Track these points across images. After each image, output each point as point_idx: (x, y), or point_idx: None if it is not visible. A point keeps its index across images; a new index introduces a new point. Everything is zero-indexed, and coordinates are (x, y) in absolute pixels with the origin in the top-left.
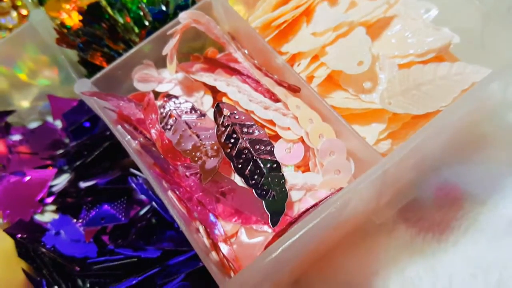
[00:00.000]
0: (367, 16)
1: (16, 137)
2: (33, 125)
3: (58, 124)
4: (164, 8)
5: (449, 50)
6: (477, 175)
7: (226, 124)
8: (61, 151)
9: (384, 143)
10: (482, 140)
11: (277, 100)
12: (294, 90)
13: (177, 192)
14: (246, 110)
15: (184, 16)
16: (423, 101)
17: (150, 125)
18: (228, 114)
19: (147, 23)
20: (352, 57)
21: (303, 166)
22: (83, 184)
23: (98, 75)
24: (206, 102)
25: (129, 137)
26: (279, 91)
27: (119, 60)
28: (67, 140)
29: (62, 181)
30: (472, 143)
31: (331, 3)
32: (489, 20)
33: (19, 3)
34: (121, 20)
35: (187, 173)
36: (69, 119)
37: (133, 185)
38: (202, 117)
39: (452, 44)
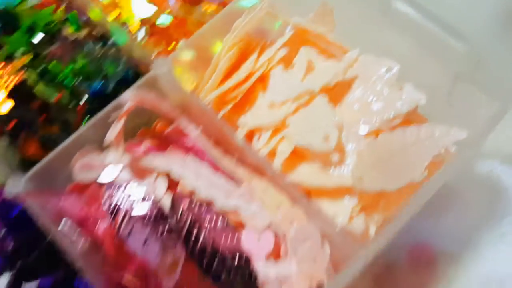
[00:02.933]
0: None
1: None
2: None
3: None
4: (102, 82)
5: (416, 110)
6: (449, 231)
7: (185, 218)
8: None
9: (357, 220)
10: (452, 195)
11: (238, 183)
12: (259, 172)
13: None
14: (206, 198)
15: (127, 98)
16: (396, 174)
17: (97, 221)
18: (186, 207)
19: (84, 100)
20: (316, 130)
21: (274, 254)
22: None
23: (34, 169)
24: (159, 186)
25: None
26: (242, 172)
27: (57, 150)
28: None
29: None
30: (442, 198)
31: (285, 65)
32: (456, 77)
33: None
34: (52, 98)
35: None
36: (4, 210)
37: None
38: (156, 208)
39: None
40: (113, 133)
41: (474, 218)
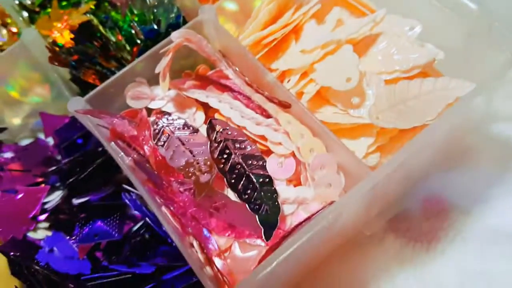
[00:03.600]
0: (354, 34)
1: (8, 155)
2: (25, 142)
3: (50, 141)
4: (155, 26)
5: (434, 66)
6: (463, 186)
7: (219, 140)
8: (53, 168)
9: (372, 157)
10: (467, 152)
11: (268, 116)
12: (284, 106)
13: (171, 208)
14: (238, 126)
15: (176, 35)
16: (410, 116)
17: (144, 142)
18: (221, 130)
19: (138, 41)
20: (340, 74)
21: (295, 180)
22: (76, 201)
23: (92, 93)
24: (198, 118)
25: (122, 153)
26: (270, 107)
27: (112, 79)
28: (59, 157)
29: (55, 198)
30: (458, 155)
31: (318, 21)
32: (471, 37)
33: (9, 21)
34: (113, 38)
35: (181, 189)
36: (61, 136)
37: (127, 201)
38: (195, 133)
39: (436, 60)
40: (162, 65)
41: (487, 174)
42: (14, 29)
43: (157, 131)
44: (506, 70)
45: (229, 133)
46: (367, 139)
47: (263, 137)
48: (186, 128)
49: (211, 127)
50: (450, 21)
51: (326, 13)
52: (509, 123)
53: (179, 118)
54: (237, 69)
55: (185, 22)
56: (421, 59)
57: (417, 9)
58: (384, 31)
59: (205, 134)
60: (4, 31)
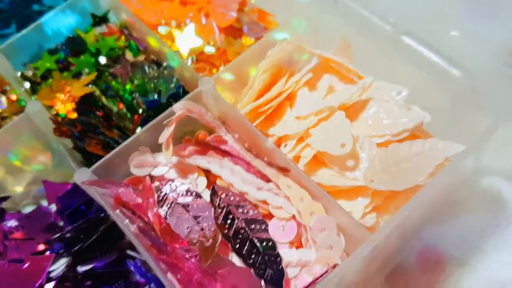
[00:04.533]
0: (345, 101)
1: (11, 223)
2: (28, 209)
3: (53, 207)
4: (156, 96)
5: (422, 127)
6: (456, 238)
7: (222, 205)
8: (57, 235)
9: (370, 217)
10: (459, 204)
11: (268, 180)
12: (284, 171)
13: (178, 276)
14: (240, 191)
15: (178, 107)
16: (402, 178)
17: (148, 209)
18: (224, 195)
19: (140, 111)
20: (334, 139)
21: (296, 242)
22: (81, 269)
23: (97, 164)
24: (200, 184)
25: (127, 220)
26: (269, 172)
27: (116, 149)
28: (61, 223)
29: (60, 266)
30: (449, 208)
31: (310, 88)
32: (456, 100)
33: (7, 88)
34: (114, 108)
35: (187, 255)
36: (64, 203)
37: (131, 267)
38: (198, 199)
39: (423, 122)
40: (165, 135)
41: (480, 226)
42: (14, 97)
43: (160, 197)
44: (492, 132)
45: (232, 198)
46: (364, 199)
47: (264, 202)
48: (189, 194)
49: (214, 194)
50: (435, 85)
51: (317, 80)
52: (498, 177)
53: (182, 184)
54: (236, 135)
55: (184, 91)
56: (409, 122)
57: (403, 75)
58: (373, 97)
59: (208, 200)
60: (4, 98)
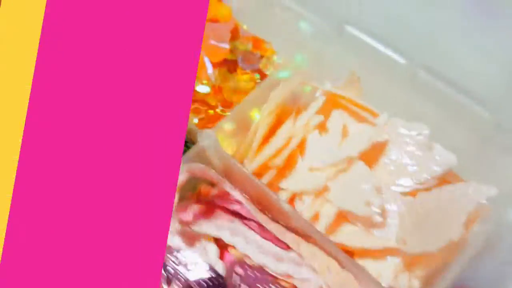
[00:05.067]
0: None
1: None
2: None
3: None
4: None
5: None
6: (487, 276)
7: (240, 285)
8: None
9: (401, 277)
10: (489, 243)
11: (286, 247)
12: (307, 237)
13: None
14: (258, 264)
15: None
16: (435, 234)
17: None
18: (243, 274)
19: None
20: (358, 195)
21: None
22: None
23: None
24: (210, 251)
25: None
26: (290, 237)
27: None
28: None
29: None
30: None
31: (321, 130)
32: (482, 140)
33: None
34: None
35: None
36: None
37: None
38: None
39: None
40: None
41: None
42: None
43: (170, 276)
44: None
45: (251, 275)
46: (392, 258)
47: (287, 274)
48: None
49: (230, 273)
50: (455, 122)
51: (326, 117)
52: None
53: (190, 252)
54: (244, 195)
55: (186, 145)
56: (437, 169)
57: (419, 111)
58: (391, 137)
59: (218, 268)
60: None
